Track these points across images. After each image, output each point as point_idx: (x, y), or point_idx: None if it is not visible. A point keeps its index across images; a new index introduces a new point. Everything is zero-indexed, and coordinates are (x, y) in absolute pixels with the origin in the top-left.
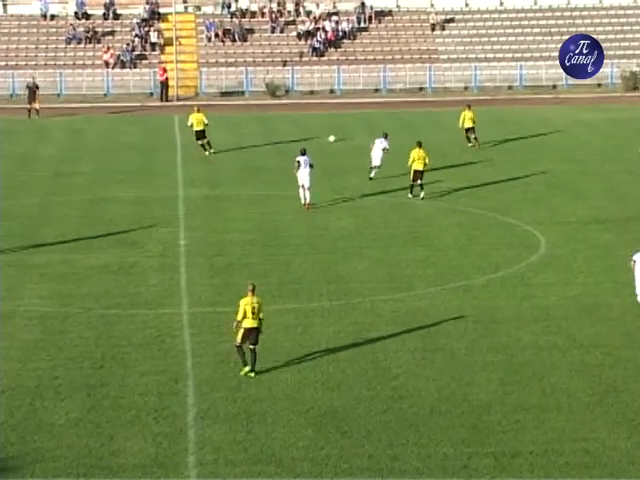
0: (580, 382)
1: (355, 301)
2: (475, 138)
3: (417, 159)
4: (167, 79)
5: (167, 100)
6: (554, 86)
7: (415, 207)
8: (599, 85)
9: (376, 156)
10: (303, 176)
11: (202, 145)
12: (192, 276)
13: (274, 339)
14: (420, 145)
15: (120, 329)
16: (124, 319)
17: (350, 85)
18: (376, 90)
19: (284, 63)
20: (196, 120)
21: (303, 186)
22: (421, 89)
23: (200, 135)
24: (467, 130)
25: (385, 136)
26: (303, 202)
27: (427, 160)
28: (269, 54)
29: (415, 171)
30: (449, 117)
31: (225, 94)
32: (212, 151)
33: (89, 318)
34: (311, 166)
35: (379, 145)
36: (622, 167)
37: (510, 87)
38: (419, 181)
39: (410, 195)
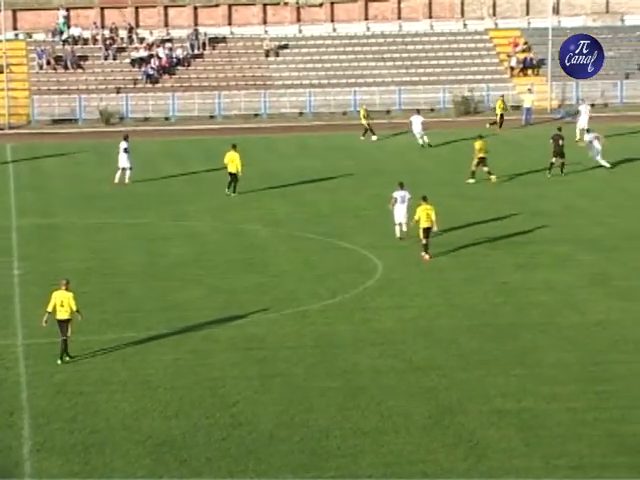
0: (417, 405)
1: (193, 329)
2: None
3: (425, 217)
4: None
5: None
6: (388, 111)
7: (250, 233)
8: (432, 110)
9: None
10: (400, 213)
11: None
12: (26, 306)
13: (111, 368)
14: (425, 200)
15: None
16: None
17: (185, 112)
18: (211, 116)
19: (118, 90)
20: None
21: (400, 224)
22: (256, 115)
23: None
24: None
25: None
26: (399, 236)
27: (434, 217)
28: (102, 81)
29: (423, 229)
30: (284, 143)
31: (58, 122)
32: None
33: None
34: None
35: None
36: (454, 191)
37: (344, 113)
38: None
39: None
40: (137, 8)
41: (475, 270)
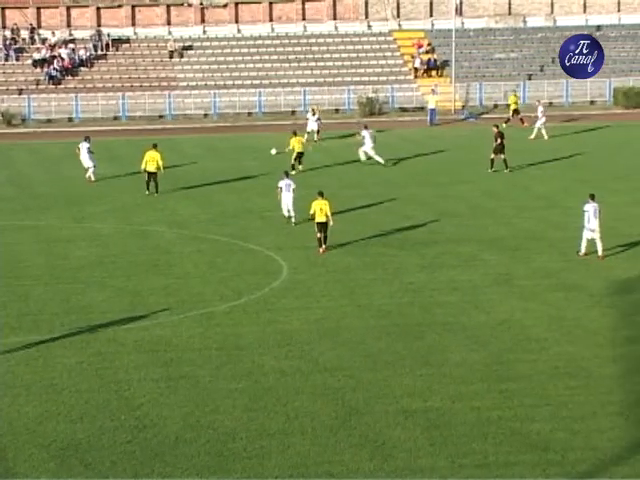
0: (323, 406)
1: (97, 331)
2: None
3: (319, 211)
4: None
5: None
6: (293, 112)
7: (155, 235)
8: (337, 110)
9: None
10: (286, 201)
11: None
12: None
13: (14, 372)
14: (322, 195)
15: None
16: None
17: (89, 113)
18: (115, 118)
19: (20, 91)
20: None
21: (289, 211)
22: (161, 116)
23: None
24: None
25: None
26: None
27: (329, 211)
28: (4, 82)
29: (318, 223)
30: (190, 144)
31: None
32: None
33: None
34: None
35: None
36: (360, 192)
37: (250, 113)
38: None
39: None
40: (39, 8)
41: (381, 270)
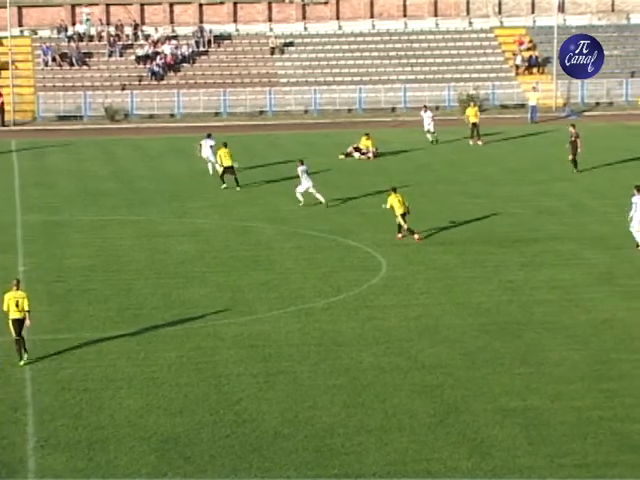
0: (422, 403)
1: (197, 326)
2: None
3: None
4: (3, 103)
5: (4, 125)
6: (393, 109)
7: (255, 231)
8: (437, 108)
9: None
10: (306, 184)
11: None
12: (31, 303)
13: (115, 365)
14: (395, 190)
15: None
16: None
17: (190, 109)
18: (216, 114)
19: (123, 87)
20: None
21: (304, 192)
22: (262, 112)
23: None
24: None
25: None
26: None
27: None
28: (108, 78)
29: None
30: (289, 140)
31: (63, 118)
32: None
33: None
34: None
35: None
36: (459, 189)
37: (350, 110)
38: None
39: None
40: (142, 5)
41: (480, 268)
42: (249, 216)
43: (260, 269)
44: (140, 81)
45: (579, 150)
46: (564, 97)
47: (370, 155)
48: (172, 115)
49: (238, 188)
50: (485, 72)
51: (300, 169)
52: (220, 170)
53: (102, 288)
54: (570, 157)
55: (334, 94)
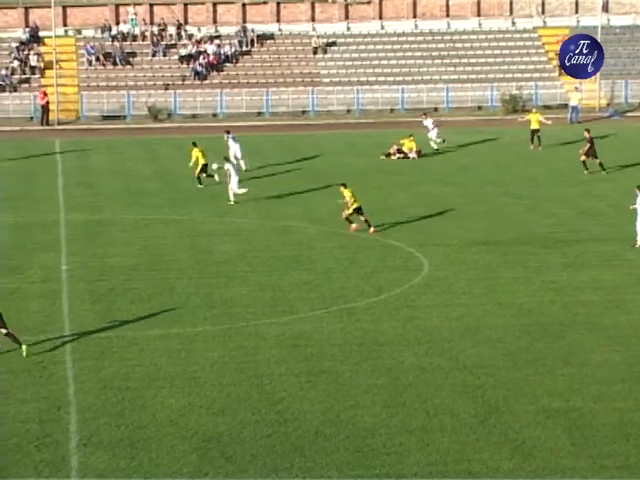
0: (463, 403)
1: (239, 325)
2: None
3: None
4: (48, 103)
5: (48, 124)
6: (435, 109)
7: (297, 231)
8: (479, 108)
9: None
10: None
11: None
12: (74, 302)
13: (157, 364)
14: (346, 186)
15: (1, 356)
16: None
17: (233, 108)
18: (259, 113)
19: (166, 87)
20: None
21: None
22: (304, 112)
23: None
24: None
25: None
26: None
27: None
28: (151, 77)
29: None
30: (331, 140)
31: (107, 118)
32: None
33: None
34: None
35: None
36: (502, 190)
37: (392, 110)
38: None
39: None
40: (186, 5)
41: (522, 269)
42: (289, 216)
43: (301, 269)
44: (183, 81)
45: (586, 152)
46: (607, 97)
47: (414, 156)
48: (215, 115)
49: (201, 186)
50: (528, 72)
51: (227, 165)
52: (198, 170)
53: (145, 287)
54: (582, 158)
55: (376, 94)
